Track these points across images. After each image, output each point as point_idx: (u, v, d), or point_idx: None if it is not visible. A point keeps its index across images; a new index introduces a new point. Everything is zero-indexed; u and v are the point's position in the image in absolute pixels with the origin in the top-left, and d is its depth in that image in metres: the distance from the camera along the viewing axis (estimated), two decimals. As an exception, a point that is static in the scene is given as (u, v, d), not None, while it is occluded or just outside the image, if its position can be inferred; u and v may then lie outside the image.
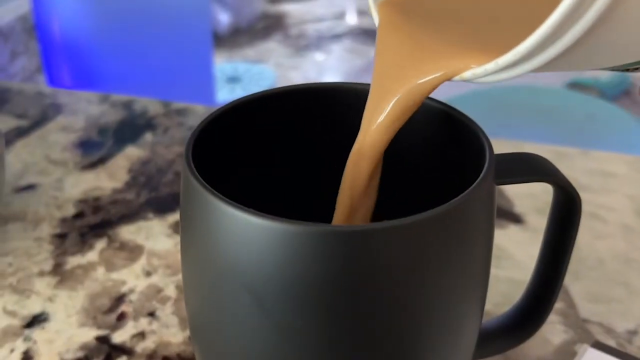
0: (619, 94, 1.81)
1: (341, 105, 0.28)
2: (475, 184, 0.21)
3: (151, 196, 0.48)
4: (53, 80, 1.28)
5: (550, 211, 0.27)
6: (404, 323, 0.21)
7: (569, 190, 0.25)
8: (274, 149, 0.29)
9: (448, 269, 0.21)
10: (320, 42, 2.38)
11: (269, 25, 2.49)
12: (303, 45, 2.33)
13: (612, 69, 0.20)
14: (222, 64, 1.98)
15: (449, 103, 0.25)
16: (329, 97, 0.28)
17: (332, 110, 0.28)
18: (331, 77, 2.11)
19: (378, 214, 0.26)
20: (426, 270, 0.21)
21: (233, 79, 1.86)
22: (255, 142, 0.28)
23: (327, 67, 2.20)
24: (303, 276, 0.20)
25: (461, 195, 0.20)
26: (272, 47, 2.31)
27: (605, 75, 1.86)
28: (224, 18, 2.30)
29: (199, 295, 0.23)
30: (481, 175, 0.21)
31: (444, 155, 0.27)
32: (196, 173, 0.21)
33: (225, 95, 1.76)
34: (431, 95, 0.20)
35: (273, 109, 0.28)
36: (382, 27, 0.19)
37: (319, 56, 2.28)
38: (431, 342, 0.22)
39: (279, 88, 0.27)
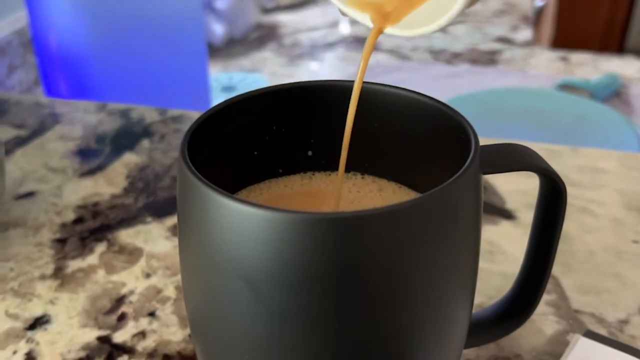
0: (609, 95, 1.82)
1: (325, 102, 0.29)
2: (459, 172, 0.22)
3: (149, 201, 0.48)
4: (51, 93, 1.29)
5: (537, 201, 0.28)
6: (394, 308, 0.22)
7: (554, 178, 0.26)
8: (265, 144, 0.30)
9: (434, 253, 0.22)
10: (313, 50, 2.39)
11: (263, 35, 2.50)
12: (297, 54, 2.34)
13: None
14: (218, 73, 1.99)
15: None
16: (316, 95, 0.29)
17: (319, 106, 0.29)
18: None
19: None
20: (413, 255, 0.21)
21: (228, 88, 1.87)
22: (248, 138, 0.29)
23: (321, 75, 2.21)
24: (293, 263, 0.21)
25: (445, 183, 0.21)
26: (267, 57, 2.32)
27: (595, 77, 1.88)
28: (218, 29, 2.32)
29: (196, 287, 0.24)
30: (466, 164, 0.22)
31: (435, 147, 0.27)
32: (191, 165, 0.22)
33: (221, 105, 1.77)
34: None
35: (264, 107, 0.29)
36: None
37: (312, 64, 2.29)
38: (422, 328, 0.23)
39: (268, 87, 0.28)
